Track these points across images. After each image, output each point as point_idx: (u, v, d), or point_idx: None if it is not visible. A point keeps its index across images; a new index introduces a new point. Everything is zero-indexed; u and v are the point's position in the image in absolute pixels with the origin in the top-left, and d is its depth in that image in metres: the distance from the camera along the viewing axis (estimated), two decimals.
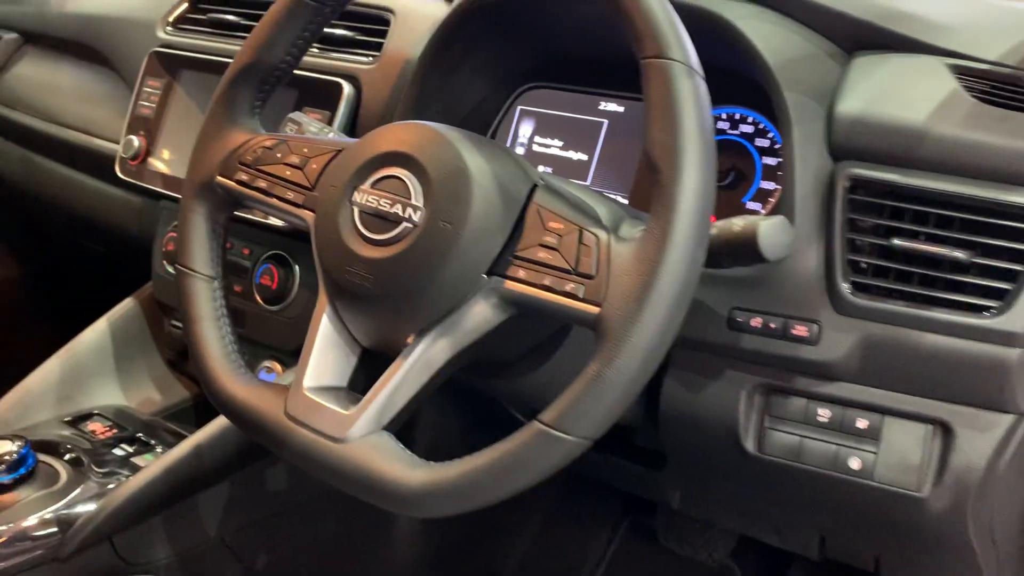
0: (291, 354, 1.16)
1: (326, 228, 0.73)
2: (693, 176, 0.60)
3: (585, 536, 1.51)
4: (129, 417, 1.19)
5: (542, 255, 0.66)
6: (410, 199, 0.69)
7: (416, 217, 0.69)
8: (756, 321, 0.81)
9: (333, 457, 0.69)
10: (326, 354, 0.75)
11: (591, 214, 0.75)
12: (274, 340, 1.16)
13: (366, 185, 0.72)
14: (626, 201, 1.02)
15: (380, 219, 0.70)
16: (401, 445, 0.69)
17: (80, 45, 1.46)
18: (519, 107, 1.12)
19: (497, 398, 0.96)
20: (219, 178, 0.81)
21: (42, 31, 1.55)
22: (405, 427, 0.72)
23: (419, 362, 0.70)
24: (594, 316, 0.62)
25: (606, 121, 1.05)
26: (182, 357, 1.28)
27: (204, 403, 1.30)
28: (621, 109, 1.04)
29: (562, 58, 1.07)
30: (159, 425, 1.19)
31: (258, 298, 1.15)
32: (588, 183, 1.05)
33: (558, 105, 1.09)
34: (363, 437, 0.69)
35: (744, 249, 0.69)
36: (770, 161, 0.93)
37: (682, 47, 0.63)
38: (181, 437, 1.16)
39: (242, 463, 1.06)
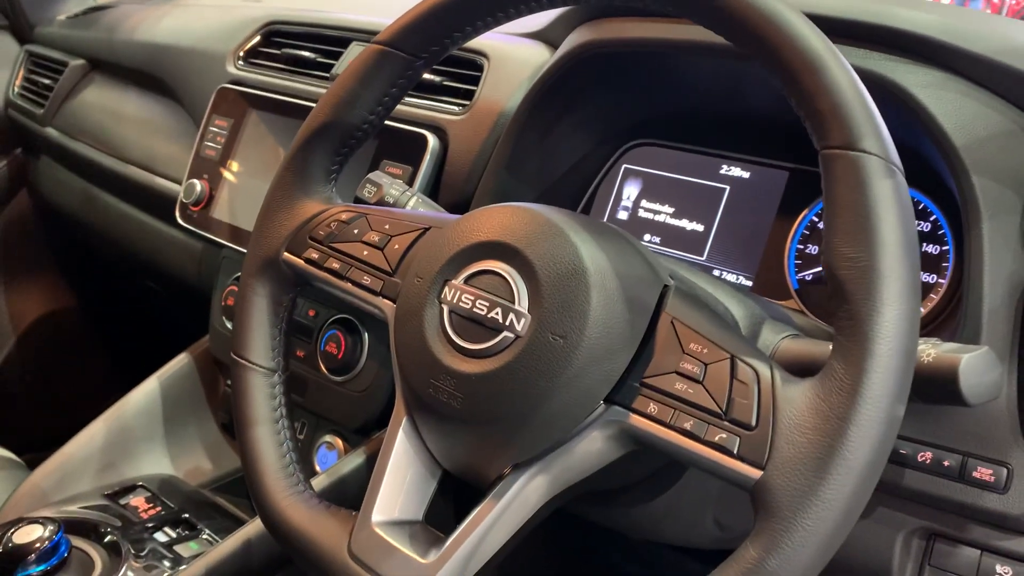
0: (355, 431, 1.04)
1: (408, 327, 0.61)
2: (896, 308, 0.46)
3: None
4: (175, 490, 1.08)
5: (680, 387, 0.52)
6: (513, 303, 0.56)
7: (520, 326, 0.55)
8: (925, 456, 0.66)
9: None
10: (400, 479, 0.62)
11: (731, 322, 0.61)
12: (337, 414, 1.04)
13: (458, 280, 0.59)
14: (749, 284, 0.87)
15: (475, 324, 0.57)
16: None
17: (146, 75, 1.38)
18: (624, 165, 0.98)
19: (601, 523, 0.82)
20: (286, 255, 0.69)
21: (110, 59, 1.47)
22: None
23: (514, 502, 0.57)
24: (754, 481, 0.48)
25: (728, 188, 0.91)
26: None
27: None
28: (746, 175, 0.90)
29: (678, 113, 0.94)
30: (206, 500, 1.08)
31: (322, 367, 1.04)
32: (703, 259, 0.91)
33: (670, 166, 0.95)
34: None
35: (939, 388, 0.54)
36: (931, 249, 0.78)
37: (879, 137, 0.49)
38: (229, 516, 1.06)
39: (290, 559, 0.94)
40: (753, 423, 0.49)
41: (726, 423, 0.50)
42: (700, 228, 0.92)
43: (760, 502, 0.48)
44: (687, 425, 0.51)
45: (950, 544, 0.68)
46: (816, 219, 0.85)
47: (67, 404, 1.65)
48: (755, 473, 0.48)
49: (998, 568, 0.67)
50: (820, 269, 0.83)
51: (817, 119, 0.50)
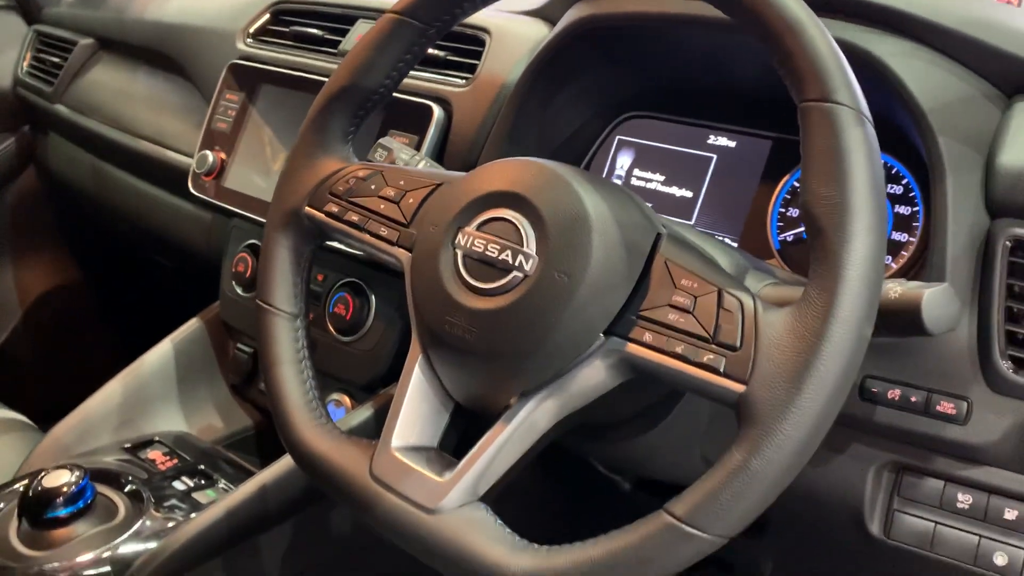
0: (362, 388, 1.10)
1: (423, 271, 0.67)
2: (864, 240, 0.52)
3: None
4: (189, 445, 1.13)
5: (673, 317, 0.58)
6: (522, 245, 0.62)
7: (528, 266, 0.61)
8: (893, 393, 0.72)
9: (424, 530, 0.62)
10: (416, 410, 0.67)
11: (720, 268, 0.67)
12: (345, 373, 1.10)
13: (471, 227, 0.65)
14: (734, 244, 0.94)
15: (487, 266, 0.63)
16: (500, 521, 0.62)
17: (156, 53, 1.43)
18: (617, 137, 1.04)
19: (588, 459, 0.88)
20: (307, 209, 0.75)
21: (119, 38, 1.52)
22: None
23: (522, 427, 0.63)
24: (737, 395, 0.54)
25: (715, 156, 0.97)
26: (246, 382, 1.23)
27: (266, 433, 1.25)
28: (732, 144, 0.96)
29: (669, 86, 1.00)
30: (219, 455, 1.13)
31: (331, 328, 1.09)
32: (692, 223, 0.97)
33: (661, 136, 1.01)
34: (458, 509, 0.62)
35: (903, 320, 0.60)
36: (902, 210, 0.85)
37: (851, 90, 0.55)
38: (242, 469, 1.11)
39: (307, 503, 1.00)
40: (737, 344, 0.55)
41: (713, 346, 0.56)
42: (689, 194, 0.98)
43: (743, 413, 0.54)
44: (679, 349, 0.57)
45: (917, 476, 0.75)
46: (797, 184, 0.91)
47: (74, 376, 1.69)
48: (739, 388, 0.54)
49: (959, 496, 0.73)
50: (801, 230, 0.90)
51: (796, 76, 0.56)
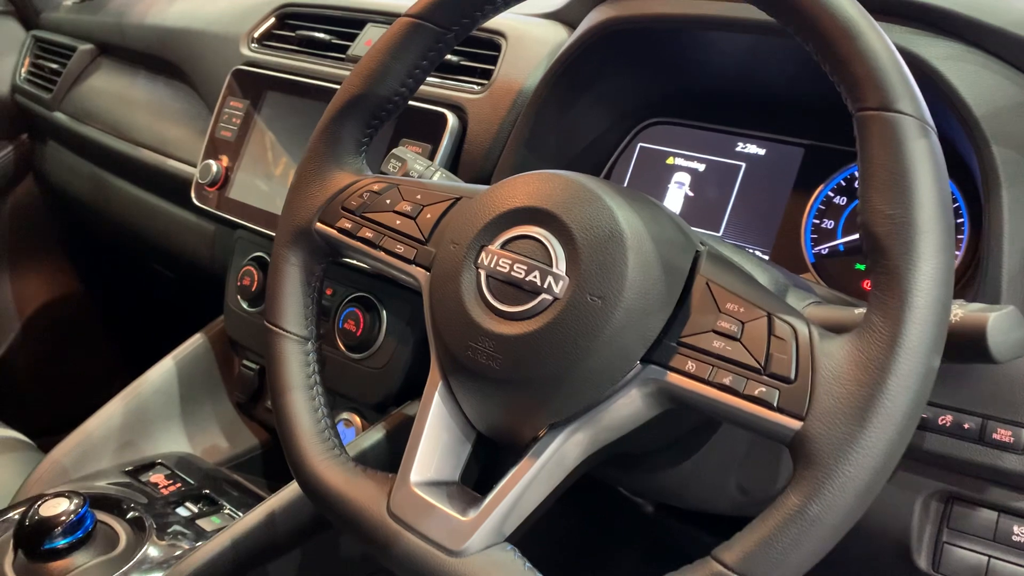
0: (373, 407, 1.06)
1: (443, 292, 0.62)
2: (933, 262, 0.48)
3: None
4: (193, 468, 1.09)
5: (718, 344, 0.53)
6: (551, 266, 0.57)
7: (558, 288, 0.57)
8: (945, 419, 0.67)
9: (447, 574, 0.57)
10: (437, 441, 0.63)
11: (766, 289, 0.63)
12: (355, 391, 1.05)
13: (495, 245, 0.60)
14: (766, 257, 0.89)
15: (513, 288, 0.58)
16: (529, 564, 0.57)
17: (157, 59, 1.39)
18: (640, 144, 0.99)
19: (614, 484, 0.83)
20: (318, 225, 0.70)
21: (119, 43, 1.48)
22: None
23: (551, 462, 0.58)
24: (793, 432, 0.49)
25: (743, 165, 0.92)
26: (253, 400, 1.19)
27: (274, 453, 1.21)
28: (762, 152, 0.92)
29: (694, 91, 0.95)
30: (224, 477, 1.09)
31: (340, 344, 1.05)
32: (720, 234, 0.92)
33: (686, 144, 0.97)
34: (483, 551, 0.57)
35: (966, 347, 0.55)
36: None
37: (914, 98, 0.50)
38: (248, 492, 1.07)
39: (316, 531, 0.95)
40: (792, 376, 0.50)
41: (765, 377, 0.51)
42: (716, 205, 0.93)
43: (800, 452, 0.49)
44: (726, 380, 0.52)
45: (968, 507, 0.70)
46: (832, 194, 0.86)
47: (75, 389, 1.65)
48: (795, 424, 0.49)
49: (1015, 529, 0.68)
50: (836, 243, 0.85)
51: (853, 83, 0.51)
